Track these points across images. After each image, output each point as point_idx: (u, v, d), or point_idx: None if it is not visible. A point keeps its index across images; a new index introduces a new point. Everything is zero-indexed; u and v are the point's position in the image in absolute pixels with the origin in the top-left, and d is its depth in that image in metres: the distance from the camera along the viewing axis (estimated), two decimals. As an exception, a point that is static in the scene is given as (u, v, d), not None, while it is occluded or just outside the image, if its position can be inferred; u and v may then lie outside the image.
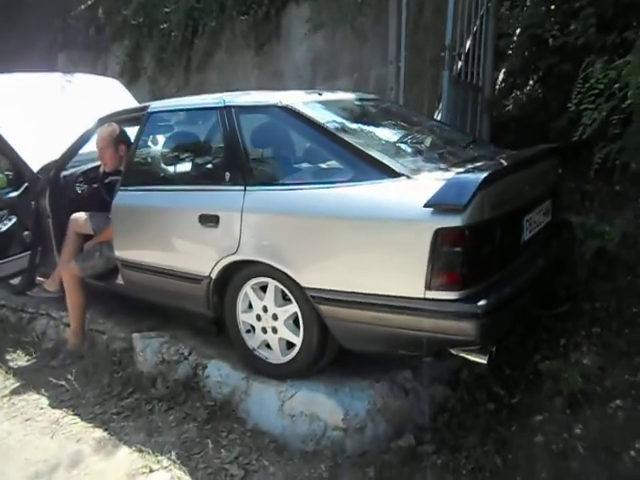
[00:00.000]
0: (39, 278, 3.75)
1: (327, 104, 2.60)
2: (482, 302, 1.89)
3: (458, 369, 2.61)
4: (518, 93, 4.60)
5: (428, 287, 1.91)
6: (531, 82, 4.65)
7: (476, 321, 1.89)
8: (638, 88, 2.45)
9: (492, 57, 4.29)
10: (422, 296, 1.93)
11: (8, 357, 3.34)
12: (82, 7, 7.26)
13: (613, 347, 2.56)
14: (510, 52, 4.49)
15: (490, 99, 4.30)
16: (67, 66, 7.80)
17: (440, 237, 1.86)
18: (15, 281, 3.82)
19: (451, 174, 2.06)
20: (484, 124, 4.28)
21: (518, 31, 4.45)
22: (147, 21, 6.81)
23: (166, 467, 2.19)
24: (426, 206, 1.87)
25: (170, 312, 3.03)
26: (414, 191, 1.97)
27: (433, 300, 1.92)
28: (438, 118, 4.07)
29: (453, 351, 2.12)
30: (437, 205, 1.86)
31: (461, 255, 1.87)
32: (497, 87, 4.63)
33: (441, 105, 4.71)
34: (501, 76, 4.69)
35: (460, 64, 4.04)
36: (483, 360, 2.04)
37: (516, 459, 2.14)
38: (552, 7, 3.74)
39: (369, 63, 4.95)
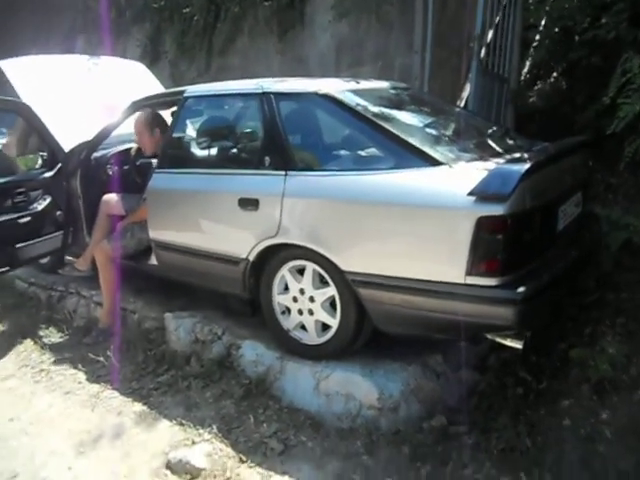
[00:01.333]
0: (68, 257, 3.83)
1: (364, 92, 2.65)
2: (521, 289, 1.96)
3: (486, 355, 2.68)
4: (543, 84, 4.62)
5: (468, 273, 1.97)
6: (555, 74, 4.66)
7: (515, 307, 1.95)
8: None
9: (519, 48, 4.31)
10: (462, 282, 1.99)
11: (42, 333, 3.44)
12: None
13: (638, 336, 2.62)
14: (536, 44, 4.51)
15: (515, 90, 4.32)
16: (86, 49, 7.81)
17: (482, 225, 1.92)
18: (44, 260, 3.91)
19: (491, 164, 2.12)
20: (509, 115, 4.31)
21: (543, 22, 4.47)
22: (169, 4, 6.83)
23: (207, 440, 2.28)
24: (470, 194, 1.93)
25: (199, 292, 3.11)
26: (456, 179, 2.03)
27: (473, 286, 1.98)
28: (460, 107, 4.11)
29: (488, 336, 2.19)
30: (481, 194, 1.91)
31: (502, 243, 1.93)
32: (522, 78, 4.64)
33: (465, 94, 4.75)
34: (526, 67, 4.70)
35: (487, 55, 4.06)
36: (519, 345, 2.11)
37: (545, 441, 2.21)
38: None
39: (394, 51, 4.97)
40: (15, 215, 3.30)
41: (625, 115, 2.64)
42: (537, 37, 4.53)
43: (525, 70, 4.73)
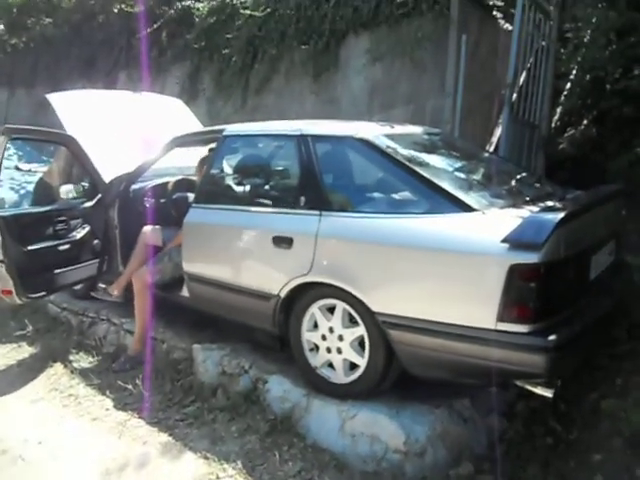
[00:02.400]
0: (100, 285, 3.93)
1: (398, 137, 2.72)
2: (552, 337, 1.96)
3: (514, 401, 2.65)
4: (574, 132, 4.65)
5: (500, 319, 1.98)
6: (586, 122, 4.70)
7: (546, 355, 1.95)
8: None
9: (550, 96, 4.39)
10: (493, 327, 2.00)
11: (72, 358, 3.51)
12: (147, 30, 7.61)
13: (672, 389, 2.56)
14: (567, 92, 4.57)
15: (546, 137, 4.37)
16: (127, 85, 8.18)
17: (515, 272, 1.94)
18: (78, 286, 4.02)
19: (525, 211, 2.15)
20: (539, 161, 4.35)
21: (575, 71, 4.54)
22: (208, 45, 7.11)
23: (231, 476, 2.28)
24: (503, 242, 1.95)
25: (227, 325, 3.15)
26: (490, 226, 2.06)
27: (504, 332, 1.99)
28: (492, 152, 4.16)
29: (518, 383, 2.17)
30: (515, 241, 1.94)
31: (534, 290, 1.94)
32: (553, 125, 4.69)
33: (495, 139, 4.82)
34: (557, 114, 4.75)
35: (518, 102, 4.14)
36: (549, 394, 2.09)
37: (575, 495, 2.16)
38: (616, 51, 3.81)
39: (426, 94, 5.08)
40: (55, 242, 3.43)
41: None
42: (568, 85, 4.60)
43: (556, 117, 4.79)
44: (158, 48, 7.88)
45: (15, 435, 2.69)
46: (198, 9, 7.51)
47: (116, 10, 8.94)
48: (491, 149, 4.73)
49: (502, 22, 5.22)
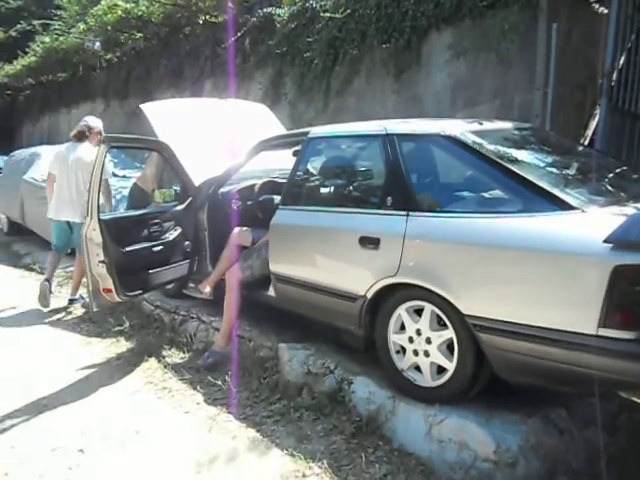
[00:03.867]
0: (191, 284, 4.10)
1: (487, 133, 2.63)
2: (661, 345, 1.80)
3: (616, 414, 2.48)
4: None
5: (602, 324, 1.86)
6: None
7: (654, 364, 1.80)
8: None
9: (654, 84, 4.06)
10: (594, 333, 1.88)
11: (165, 353, 3.69)
12: (232, 39, 7.89)
13: None
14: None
15: (649, 128, 4.06)
16: (212, 92, 8.52)
17: (620, 274, 1.81)
18: (170, 285, 4.22)
19: (628, 209, 2.00)
20: (641, 154, 4.04)
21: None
22: (290, 50, 7.25)
23: (317, 474, 2.30)
24: (606, 242, 1.83)
25: (312, 325, 3.18)
26: (591, 225, 1.94)
27: (606, 338, 1.86)
28: (587, 146, 3.92)
29: (621, 393, 2.02)
30: (619, 241, 1.81)
31: (642, 294, 1.80)
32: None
33: (590, 132, 4.54)
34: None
35: (618, 91, 3.87)
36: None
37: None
38: None
39: (512, 89, 4.88)
40: (150, 244, 3.63)
41: None
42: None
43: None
44: (241, 55, 8.14)
45: (115, 423, 2.86)
46: (279, 15, 7.69)
47: (201, 21, 9.35)
48: (586, 142, 4.46)
49: (597, 6, 4.89)
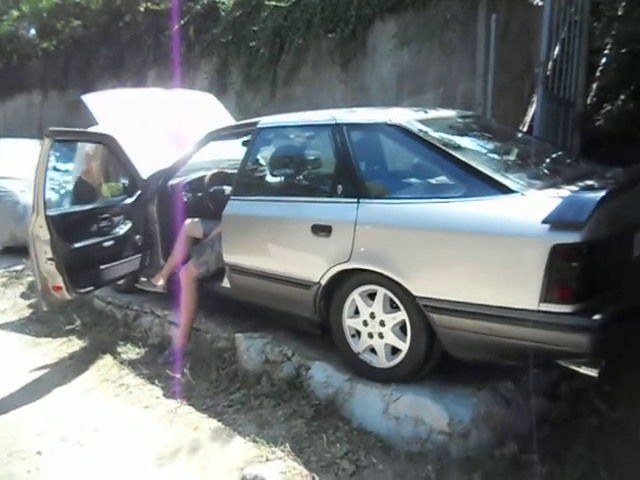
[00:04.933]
0: (143, 278, 4.05)
1: (432, 121, 2.72)
2: (597, 316, 1.95)
3: (557, 382, 2.65)
4: (611, 108, 4.54)
5: (543, 300, 1.99)
6: (623, 97, 4.58)
7: (590, 334, 1.95)
8: None
9: (585, 72, 4.28)
10: (536, 308, 2.01)
11: (120, 350, 3.64)
12: (176, 27, 7.72)
13: None
14: (602, 67, 4.46)
15: (582, 114, 4.28)
16: (156, 82, 8.32)
17: (557, 252, 1.94)
18: (121, 281, 4.16)
19: (565, 192, 2.13)
20: (575, 139, 4.27)
21: (610, 46, 4.42)
22: (235, 39, 7.17)
23: (280, 457, 2.36)
24: (544, 222, 1.95)
25: (269, 315, 3.22)
26: (530, 208, 2.06)
27: (547, 312, 2.00)
28: (526, 133, 4.11)
29: (562, 363, 2.17)
30: (556, 222, 1.94)
31: (577, 270, 1.94)
32: (589, 102, 4.58)
33: (528, 119, 4.74)
34: (593, 91, 4.64)
35: (552, 79, 4.06)
36: (594, 373, 2.09)
37: (622, 474, 2.16)
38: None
39: (455, 78, 5.03)
40: (99, 239, 3.56)
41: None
42: (603, 60, 4.48)
43: (592, 94, 4.67)
44: (186, 44, 7.98)
45: (72, 423, 2.82)
46: (223, 3, 7.58)
47: (142, 9, 9.08)
48: (524, 129, 4.66)
49: (533, -2, 5.09)
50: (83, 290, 3.46)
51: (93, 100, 4.11)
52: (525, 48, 5.10)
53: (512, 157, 2.52)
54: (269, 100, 6.57)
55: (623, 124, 4.32)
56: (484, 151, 2.56)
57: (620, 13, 3.86)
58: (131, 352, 3.63)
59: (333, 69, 5.99)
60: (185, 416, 2.81)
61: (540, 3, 4.78)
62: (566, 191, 2.13)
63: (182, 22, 7.88)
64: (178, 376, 3.09)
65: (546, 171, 2.47)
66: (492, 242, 2.08)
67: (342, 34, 5.83)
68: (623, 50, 4.12)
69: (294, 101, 6.17)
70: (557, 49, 4.11)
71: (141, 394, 3.11)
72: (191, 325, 3.42)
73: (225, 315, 3.58)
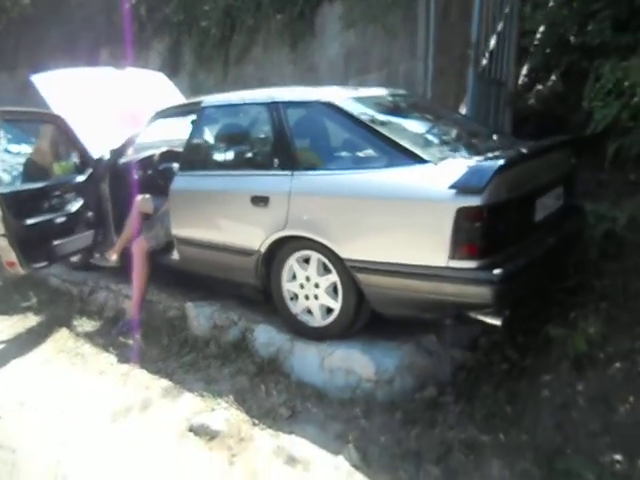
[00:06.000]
0: (97, 254, 4.17)
1: (363, 99, 2.94)
2: (497, 270, 2.23)
3: (477, 336, 2.95)
4: (540, 87, 4.86)
5: (451, 257, 2.26)
6: (553, 77, 4.90)
7: (492, 286, 2.23)
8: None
9: (515, 54, 4.56)
10: (446, 265, 2.28)
11: (75, 323, 3.78)
12: (127, 5, 7.68)
13: (617, 319, 2.85)
14: (532, 49, 4.76)
15: (512, 93, 4.57)
16: (110, 61, 8.25)
17: (462, 214, 2.20)
18: (75, 258, 4.27)
19: (472, 161, 2.39)
20: (507, 117, 4.56)
21: (541, 29, 4.71)
22: (187, 19, 7.21)
23: (225, 407, 2.59)
24: (450, 188, 2.21)
25: (217, 284, 3.42)
26: (439, 175, 2.31)
27: (455, 269, 2.27)
28: (464, 111, 4.37)
29: (472, 315, 2.45)
30: (460, 187, 2.19)
31: (480, 230, 2.21)
32: (520, 82, 4.88)
33: (466, 99, 5.01)
34: (524, 72, 4.94)
35: (485, 61, 4.32)
36: (498, 322, 2.37)
37: (524, 408, 2.47)
38: (572, 8, 3.99)
39: (398, 58, 5.25)
40: (52, 215, 3.67)
41: (602, 117, 2.88)
42: (534, 43, 4.78)
43: (524, 74, 4.98)
44: (138, 23, 7.96)
45: (29, 390, 2.98)
46: (175, -18, 7.57)
47: (94, -14, 8.96)
48: (463, 108, 4.93)
49: (470, -18, 5.33)
50: (37, 265, 3.57)
51: (42, 80, 4.15)
52: (464, 31, 5.32)
53: (433, 132, 2.76)
54: (222, 80, 6.67)
55: (552, 103, 4.65)
56: (406, 126, 2.79)
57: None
58: (87, 325, 3.76)
59: (283, 49, 6.14)
60: (138, 378, 3.00)
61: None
62: (473, 161, 2.39)
63: (133, 1, 7.83)
64: (131, 342, 3.27)
65: (462, 144, 2.72)
66: (406, 207, 2.34)
67: (291, 15, 5.98)
68: (550, 33, 4.42)
69: (246, 80, 6.30)
70: (492, 33, 4.37)
71: (96, 362, 3.28)
72: (143, 297, 3.58)
73: (176, 286, 3.76)
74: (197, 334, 3.29)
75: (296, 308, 2.86)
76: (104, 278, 4.16)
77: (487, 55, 4.34)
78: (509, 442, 2.30)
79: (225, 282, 3.24)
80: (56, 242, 3.67)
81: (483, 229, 2.21)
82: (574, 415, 2.39)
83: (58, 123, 3.87)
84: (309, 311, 2.83)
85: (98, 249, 4.07)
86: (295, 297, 2.86)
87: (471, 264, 2.25)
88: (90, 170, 3.92)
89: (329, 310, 2.75)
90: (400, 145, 2.46)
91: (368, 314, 2.70)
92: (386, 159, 2.48)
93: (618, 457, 2.17)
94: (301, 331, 2.87)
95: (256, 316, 3.16)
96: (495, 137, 2.97)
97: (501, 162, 2.22)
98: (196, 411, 2.61)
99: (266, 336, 2.98)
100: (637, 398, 2.41)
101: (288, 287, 2.85)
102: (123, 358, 3.24)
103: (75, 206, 3.85)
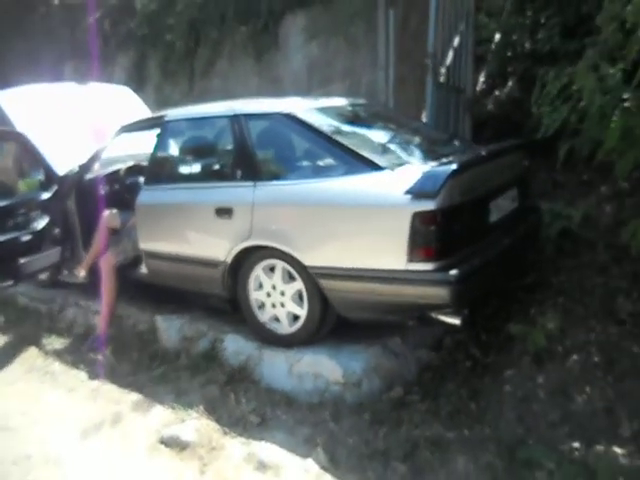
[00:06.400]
0: (65, 271, 4.15)
1: (323, 110, 3.02)
2: (454, 271, 2.32)
3: (442, 336, 3.04)
4: (498, 94, 5.02)
5: (409, 260, 2.34)
6: (510, 83, 5.07)
7: (449, 287, 2.31)
8: (590, 91, 2.85)
9: (472, 62, 4.72)
10: (404, 268, 2.35)
11: (45, 341, 3.74)
12: (91, 19, 7.65)
13: (573, 313, 2.98)
14: (489, 57, 4.92)
15: (471, 100, 4.72)
16: (74, 75, 8.20)
17: (417, 219, 2.28)
18: (43, 276, 4.24)
19: (427, 167, 2.48)
20: (466, 123, 4.70)
21: (496, 38, 4.89)
22: (152, 32, 7.22)
23: (195, 418, 2.61)
24: (406, 194, 2.29)
25: (186, 296, 3.44)
26: (396, 182, 2.40)
27: (414, 271, 2.35)
28: (425, 119, 4.49)
29: (433, 315, 2.53)
30: (415, 193, 2.28)
31: (435, 233, 2.29)
32: (478, 89, 5.04)
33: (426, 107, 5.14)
34: (482, 78, 5.11)
35: (444, 69, 4.46)
36: (457, 321, 2.46)
37: (487, 404, 2.56)
38: (524, 17, 4.15)
39: (361, 69, 5.36)
40: (17, 233, 3.65)
41: (551, 122, 2.99)
42: (491, 50, 4.95)
43: (482, 80, 5.14)
44: (102, 38, 7.93)
45: (-2, 410, 2.95)
46: (139, -4, 7.59)
47: (57, 1, 8.90)
48: (425, 115, 5.06)
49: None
50: (4, 284, 3.55)
51: (5, 98, 4.13)
52: (424, 40, 5.49)
53: (391, 139, 2.85)
54: (187, 93, 6.69)
55: (509, 108, 4.81)
56: (365, 135, 2.88)
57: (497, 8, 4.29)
58: (56, 343, 3.73)
59: (248, 61, 6.20)
60: (108, 393, 3.00)
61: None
62: (428, 167, 2.48)
63: (98, 15, 7.81)
64: (101, 358, 3.27)
65: (418, 151, 2.81)
66: (364, 213, 2.41)
67: (255, 27, 6.04)
68: (505, 41, 4.59)
69: (212, 93, 6.32)
70: (450, 41, 4.51)
71: (66, 379, 3.26)
72: (112, 312, 3.58)
73: (145, 300, 3.77)
74: (167, 347, 3.30)
75: (264, 317, 2.90)
76: (73, 295, 4.13)
77: (445, 63, 4.48)
78: (473, 437, 2.38)
79: (194, 294, 3.27)
80: (22, 260, 3.64)
81: (438, 232, 2.30)
82: (535, 407, 2.48)
83: (21, 140, 3.86)
84: (276, 319, 2.88)
85: (66, 266, 4.05)
86: (262, 306, 2.90)
87: (428, 266, 2.33)
88: (55, 187, 3.90)
89: (296, 317, 2.81)
90: (358, 153, 2.54)
91: (334, 319, 2.76)
92: (345, 167, 2.55)
93: (576, 445, 2.27)
94: (269, 339, 2.91)
95: (225, 326, 3.19)
96: (451, 143, 3.07)
97: (453, 167, 2.31)
98: (167, 423, 2.62)
99: (235, 345, 3.02)
100: (593, 388, 2.52)
101: (255, 296, 2.90)
102: (93, 374, 3.22)
103: (41, 223, 3.82)
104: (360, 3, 5.31)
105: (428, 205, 2.26)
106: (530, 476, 2.15)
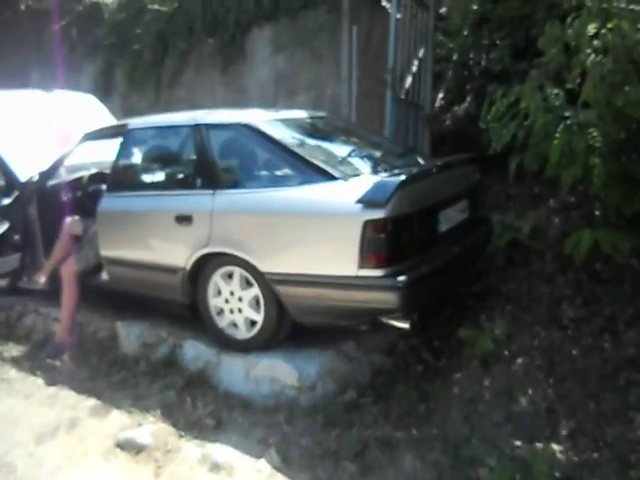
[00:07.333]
0: (25, 278, 4.12)
1: (283, 121, 3.12)
2: (402, 277, 2.43)
3: (396, 341, 3.15)
4: (456, 109, 5.22)
5: (360, 267, 2.44)
6: (467, 100, 5.28)
7: (397, 292, 2.43)
8: (535, 110, 3.02)
9: (431, 78, 4.90)
10: (355, 274, 2.46)
11: (1, 348, 3.71)
12: (56, 26, 7.62)
13: (520, 319, 3.12)
14: (447, 74, 5.12)
15: (429, 115, 4.90)
16: (40, 82, 8.13)
17: (368, 227, 2.39)
18: (2, 283, 4.19)
19: (378, 178, 2.60)
20: (425, 137, 4.87)
21: (454, 57, 5.09)
22: (119, 41, 7.24)
23: (152, 421, 2.65)
24: (357, 203, 2.40)
25: (147, 303, 3.47)
26: (347, 191, 2.51)
27: (364, 277, 2.45)
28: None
29: (384, 320, 2.65)
30: (365, 201, 2.39)
31: (384, 240, 2.41)
32: (437, 105, 5.23)
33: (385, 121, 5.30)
34: (441, 95, 5.30)
35: (404, 85, 4.62)
36: (406, 325, 2.57)
37: (436, 405, 2.67)
38: (478, 37, 4.35)
39: (325, 82, 5.50)
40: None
41: (499, 138, 3.15)
42: (449, 69, 5.15)
43: (440, 97, 5.34)
44: (69, 45, 7.90)
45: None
46: (107, 5, 7.60)
47: (23, 7, 8.82)
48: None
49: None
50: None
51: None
52: (387, 56, 5.68)
53: (346, 151, 2.96)
54: (154, 102, 6.72)
55: (465, 124, 5.00)
56: (321, 146, 2.99)
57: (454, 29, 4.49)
58: (14, 350, 3.69)
59: (214, 72, 6.28)
60: (65, 399, 3.00)
61: (399, 16, 5.38)
62: (379, 177, 2.60)
63: (64, 22, 7.79)
64: (59, 364, 3.27)
65: (372, 162, 2.93)
66: (318, 221, 2.52)
67: (222, 39, 6.14)
68: (461, 60, 4.79)
69: (178, 103, 6.36)
70: (411, 59, 4.68)
71: (23, 386, 3.23)
72: (73, 318, 3.57)
73: (107, 307, 3.77)
74: (127, 353, 3.32)
75: (222, 322, 2.96)
76: (33, 302, 4.10)
77: (405, 80, 4.65)
78: (421, 436, 2.49)
79: (154, 300, 3.31)
80: (-19, 266, 3.62)
81: (388, 240, 2.41)
82: (481, 408, 2.60)
83: (-20, 146, 3.84)
84: (234, 324, 2.94)
85: (26, 272, 4.03)
86: (221, 312, 2.96)
87: (378, 272, 2.44)
88: (16, 193, 3.89)
89: (253, 323, 2.88)
90: (313, 164, 2.65)
91: (290, 324, 2.84)
92: (300, 177, 2.65)
93: (518, 443, 2.40)
94: (228, 344, 2.97)
95: (185, 332, 3.24)
96: (407, 156, 3.21)
97: (402, 178, 2.43)
98: (123, 427, 2.65)
99: (195, 351, 3.07)
100: (536, 389, 2.66)
101: (214, 302, 2.96)
102: (51, 381, 3.21)
103: (1, 229, 3.80)
104: (324, 18, 5.47)
105: (378, 214, 2.38)
106: (473, 473, 2.27)
